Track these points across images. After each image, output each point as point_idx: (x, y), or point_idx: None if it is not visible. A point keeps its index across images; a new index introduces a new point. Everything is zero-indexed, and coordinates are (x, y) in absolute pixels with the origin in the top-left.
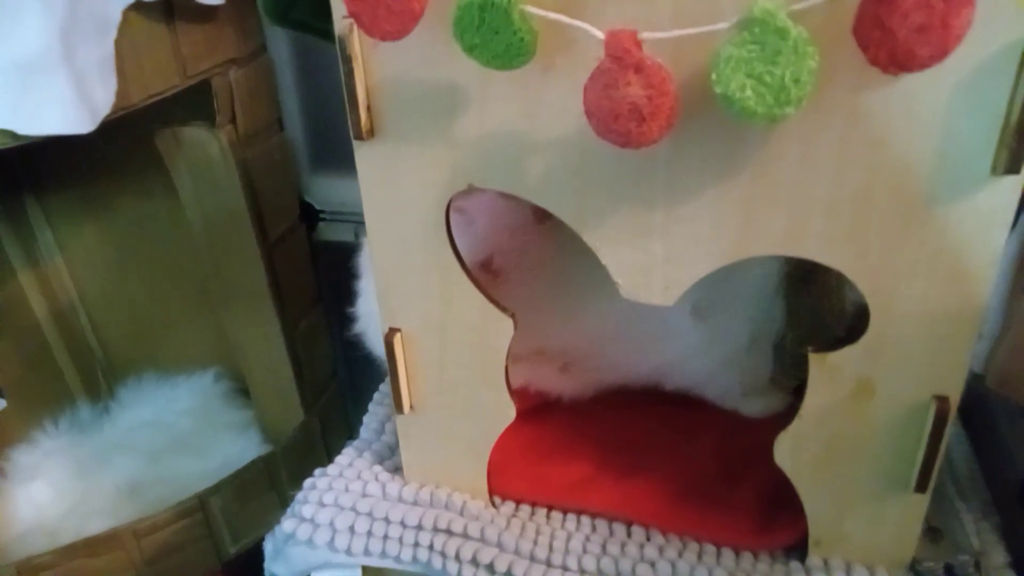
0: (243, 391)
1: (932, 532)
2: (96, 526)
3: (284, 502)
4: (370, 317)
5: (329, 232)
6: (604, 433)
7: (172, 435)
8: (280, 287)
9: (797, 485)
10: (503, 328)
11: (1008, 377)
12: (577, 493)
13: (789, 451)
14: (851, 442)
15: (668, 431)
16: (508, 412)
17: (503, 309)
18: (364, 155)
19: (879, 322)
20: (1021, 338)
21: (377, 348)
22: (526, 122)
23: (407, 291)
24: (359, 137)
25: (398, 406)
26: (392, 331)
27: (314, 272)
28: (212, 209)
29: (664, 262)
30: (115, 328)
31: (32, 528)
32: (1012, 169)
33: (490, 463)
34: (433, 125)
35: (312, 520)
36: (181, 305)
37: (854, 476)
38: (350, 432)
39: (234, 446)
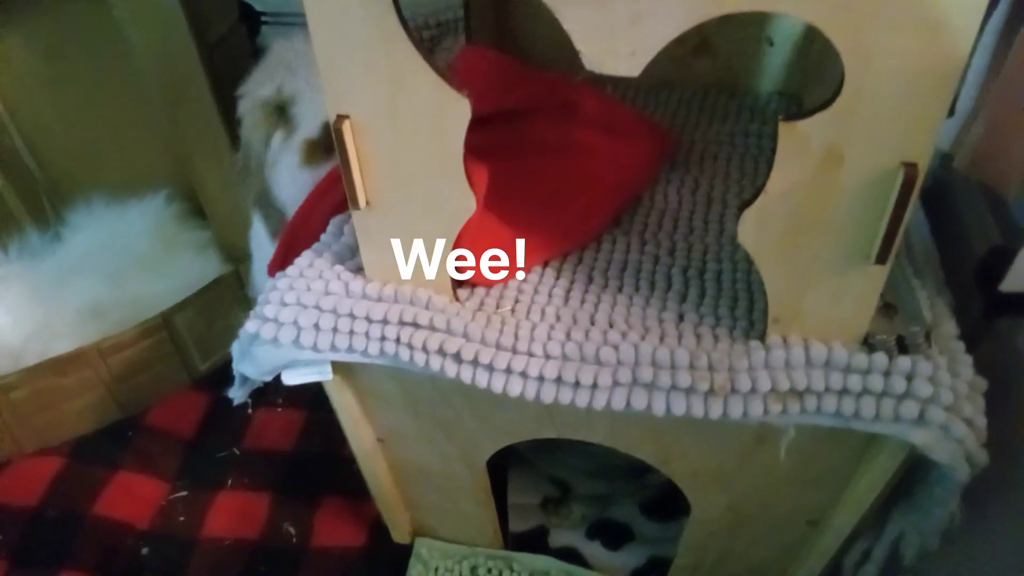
0: (197, 212)
1: (887, 308)
2: (61, 348)
3: None
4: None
5: (272, 36)
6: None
7: (130, 257)
8: (225, 96)
9: (759, 262)
10: (458, 111)
11: (979, 159)
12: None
13: (753, 228)
14: (815, 215)
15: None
16: (468, 204)
17: (458, 89)
18: None
19: (854, 82)
20: (996, 119)
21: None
22: None
23: (351, 70)
24: None
25: (352, 201)
26: (340, 118)
27: None
28: (143, 7)
29: (630, 23)
30: (54, 148)
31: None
32: None
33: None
34: None
35: (276, 319)
36: (123, 121)
37: (816, 250)
38: None
39: (194, 265)
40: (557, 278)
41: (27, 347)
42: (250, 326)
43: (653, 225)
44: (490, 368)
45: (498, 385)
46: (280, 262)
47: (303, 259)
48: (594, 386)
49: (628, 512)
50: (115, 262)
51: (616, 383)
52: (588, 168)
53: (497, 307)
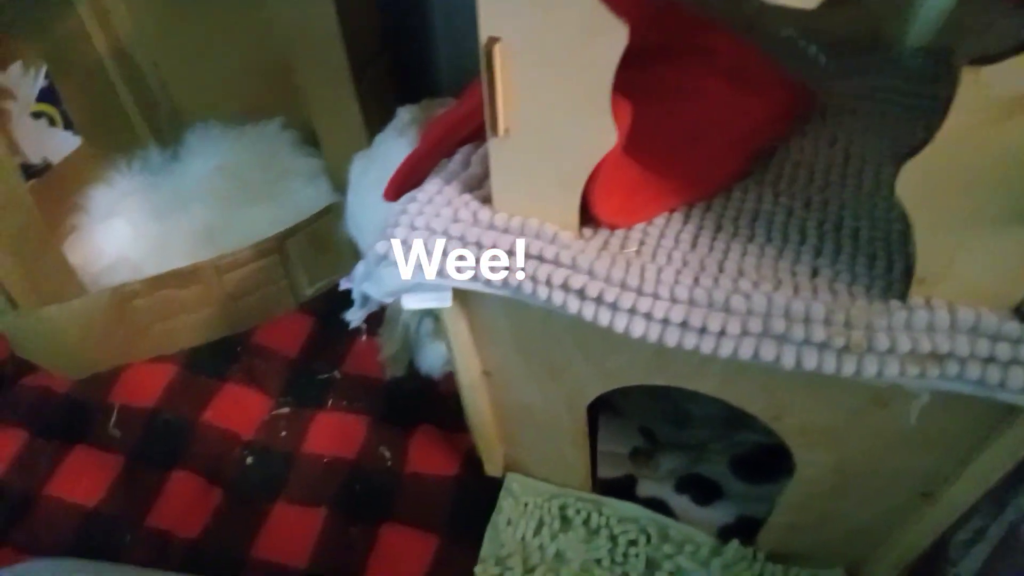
0: (309, 140)
1: None
2: (177, 264)
3: (357, 251)
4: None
5: None
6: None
7: (243, 181)
8: (345, 27)
9: (915, 218)
10: (615, 38)
11: None
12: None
13: (914, 181)
14: (985, 170)
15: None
16: (609, 138)
17: (617, 15)
18: None
19: None
20: None
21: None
22: None
23: None
24: None
25: (492, 128)
26: (491, 40)
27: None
28: None
29: None
30: (176, 72)
31: (117, 261)
32: None
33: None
34: None
35: (405, 242)
36: (244, 47)
37: (980, 208)
38: None
39: (305, 192)
40: (684, 223)
41: (146, 261)
42: (379, 247)
43: (787, 177)
44: (613, 307)
45: (620, 325)
46: (398, 188)
47: (432, 185)
48: (721, 333)
49: (717, 470)
50: (229, 186)
51: (745, 332)
52: (718, 117)
53: (622, 247)
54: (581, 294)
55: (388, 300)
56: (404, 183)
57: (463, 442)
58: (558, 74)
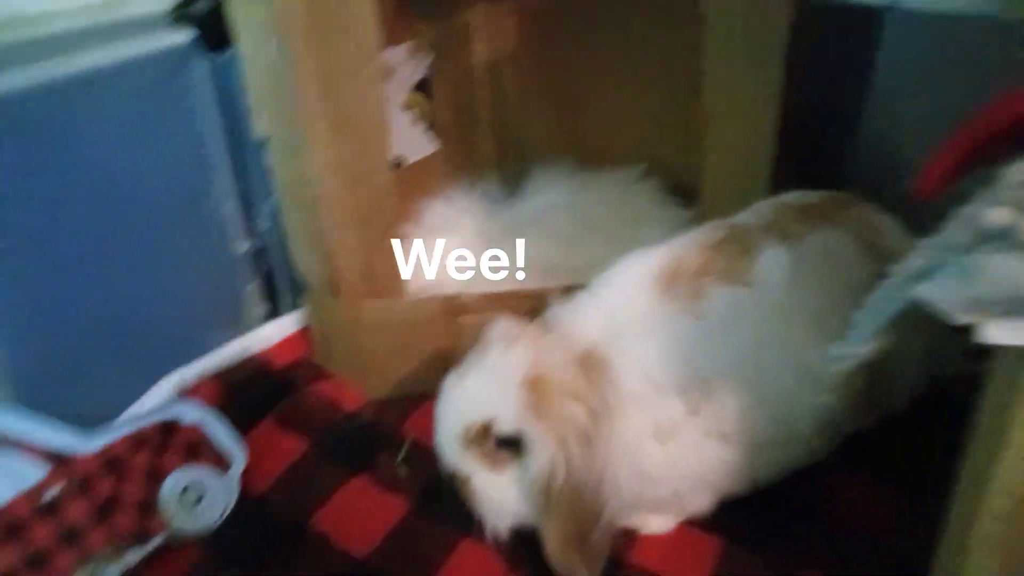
0: (677, 191)
1: None
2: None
3: None
4: None
5: None
6: None
7: (586, 223)
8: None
9: None
10: None
11: None
12: None
13: None
14: None
15: None
16: None
17: None
18: None
19: None
20: None
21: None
22: None
23: None
24: None
25: None
26: None
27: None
28: None
29: None
30: (537, 104)
31: (436, 281)
32: None
33: None
34: None
35: None
36: (621, 81)
37: None
38: None
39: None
40: None
41: (470, 287)
42: (991, 216)
43: None
44: None
45: None
46: (944, 175)
47: None
48: None
49: None
50: (570, 225)
51: None
52: None
53: None
54: None
55: (963, 318)
56: (956, 167)
57: None
58: None
